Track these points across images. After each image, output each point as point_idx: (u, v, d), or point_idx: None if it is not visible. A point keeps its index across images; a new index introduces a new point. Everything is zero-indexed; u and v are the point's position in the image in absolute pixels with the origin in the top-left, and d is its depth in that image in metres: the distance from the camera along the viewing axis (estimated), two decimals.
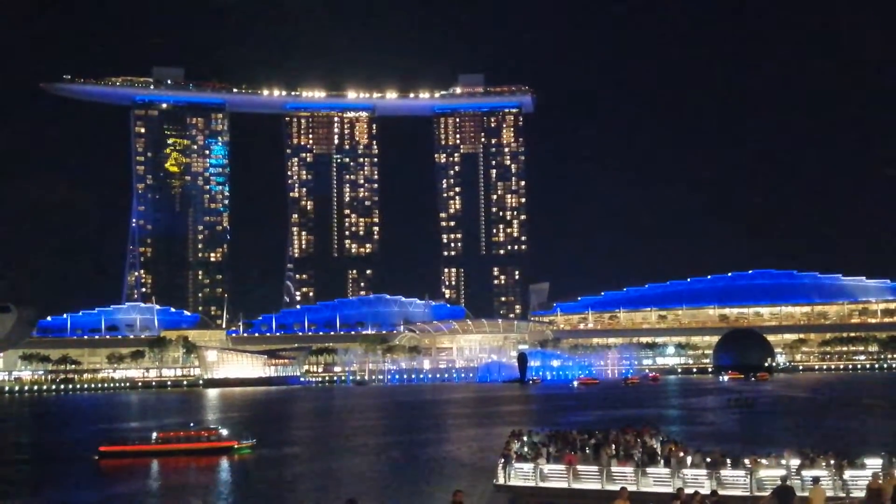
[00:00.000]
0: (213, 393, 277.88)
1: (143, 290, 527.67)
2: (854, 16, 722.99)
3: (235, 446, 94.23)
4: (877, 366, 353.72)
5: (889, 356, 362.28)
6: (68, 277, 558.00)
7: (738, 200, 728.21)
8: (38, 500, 70.34)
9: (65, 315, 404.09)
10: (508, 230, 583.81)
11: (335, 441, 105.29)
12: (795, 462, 48.98)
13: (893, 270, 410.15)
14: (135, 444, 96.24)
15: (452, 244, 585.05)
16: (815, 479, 39.88)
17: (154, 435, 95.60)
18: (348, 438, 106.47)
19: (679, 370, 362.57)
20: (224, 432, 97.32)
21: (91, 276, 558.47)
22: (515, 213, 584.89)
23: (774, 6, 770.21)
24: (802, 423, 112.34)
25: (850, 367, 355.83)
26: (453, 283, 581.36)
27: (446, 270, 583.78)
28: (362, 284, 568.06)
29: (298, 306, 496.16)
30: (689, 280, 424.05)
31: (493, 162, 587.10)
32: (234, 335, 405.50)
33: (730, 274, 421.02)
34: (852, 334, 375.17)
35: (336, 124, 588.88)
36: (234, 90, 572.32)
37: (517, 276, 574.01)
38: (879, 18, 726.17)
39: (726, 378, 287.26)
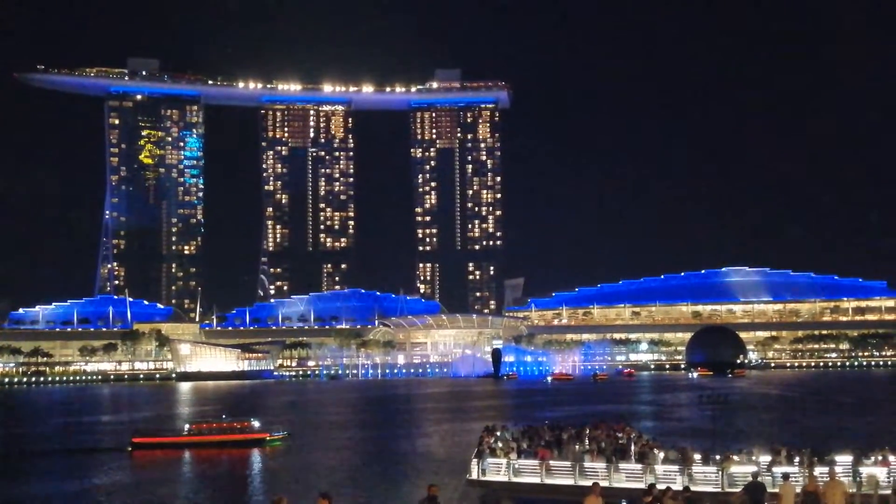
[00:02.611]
0: (185, 386, 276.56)
1: (116, 282, 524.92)
2: (851, 16, 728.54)
3: (267, 438, 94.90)
4: (848, 363, 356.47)
5: (860, 354, 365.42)
6: (40, 269, 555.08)
7: (712, 198, 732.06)
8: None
9: (37, 307, 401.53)
10: (484, 225, 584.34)
11: (309, 435, 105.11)
12: (766, 458, 49.35)
13: (865, 269, 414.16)
14: (167, 435, 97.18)
15: (428, 239, 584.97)
16: (786, 475, 40.16)
17: (187, 427, 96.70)
18: (322, 432, 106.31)
19: (652, 366, 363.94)
20: (256, 424, 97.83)
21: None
22: (491, 208, 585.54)
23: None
24: (774, 420, 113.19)
25: (822, 364, 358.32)
26: (428, 277, 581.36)
27: (421, 265, 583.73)
28: (337, 278, 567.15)
29: (272, 300, 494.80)
30: (662, 277, 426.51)
31: (469, 157, 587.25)
32: (207, 328, 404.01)
33: (703, 271, 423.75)
34: (824, 332, 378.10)
35: (312, 118, 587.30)
36: (210, 82, 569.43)
37: (492, 272, 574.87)
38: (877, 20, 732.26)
39: (696, 375, 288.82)
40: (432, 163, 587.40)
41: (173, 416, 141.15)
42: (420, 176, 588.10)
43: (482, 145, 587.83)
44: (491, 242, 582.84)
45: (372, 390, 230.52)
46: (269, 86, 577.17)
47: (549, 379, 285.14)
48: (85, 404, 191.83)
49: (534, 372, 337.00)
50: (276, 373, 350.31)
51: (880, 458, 48.08)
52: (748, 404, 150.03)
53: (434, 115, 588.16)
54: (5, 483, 72.67)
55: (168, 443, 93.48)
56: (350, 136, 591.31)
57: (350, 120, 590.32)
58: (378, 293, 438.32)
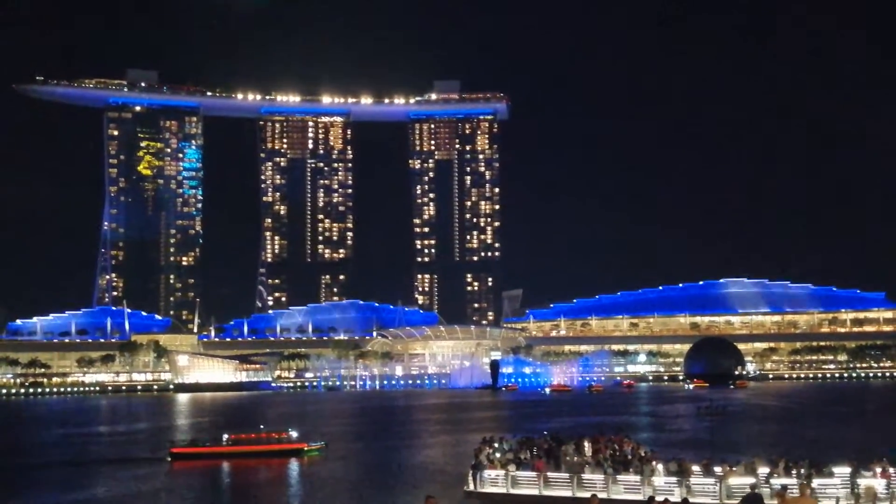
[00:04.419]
0: (183, 398, 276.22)
1: (115, 293, 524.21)
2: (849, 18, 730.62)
3: (305, 448, 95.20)
4: (846, 375, 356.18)
5: (858, 365, 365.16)
6: (38, 280, 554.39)
7: (711, 209, 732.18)
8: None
9: (35, 318, 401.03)
10: (482, 237, 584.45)
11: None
12: (764, 470, 49.36)
13: (863, 280, 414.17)
14: (206, 445, 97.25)
15: (426, 250, 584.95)
16: (784, 487, 40.17)
17: (225, 437, 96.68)
18: (320, 443, 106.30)
19: (650, 378, 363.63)
20: (294, 434, 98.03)
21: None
22: (489, 219, 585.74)
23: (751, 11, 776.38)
24: (773, 431, 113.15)
25: (820, 376, 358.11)
26: (426, 289, 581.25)
27: (419, 276, 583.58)
28: (335, 290, 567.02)
29: (271, 311, 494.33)
30: (660, 288, 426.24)
31: (468, 168, 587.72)
32: (205, 340, 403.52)
33: (701, 282, 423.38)
34: (822, 343, 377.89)
35: (310, 129, 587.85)
36: (209, 93, 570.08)
37: (490, 283, 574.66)
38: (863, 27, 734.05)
39: (691, 386, 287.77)
40: (431, 174, 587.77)
41: (173, 428, 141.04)
42: (418, 187, 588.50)
43: (481, 157, 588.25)
44: (489, 254, 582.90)
45: (370, 401, 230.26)
46: (267, 97, 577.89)
47: (548, 390, 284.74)
48: (86, 415, 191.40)
49: (533, 383, 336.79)
50: (274, 384, 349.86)
51: (879, 469, 48.07)
52: (746, 415, 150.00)
53: (433, 126, 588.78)
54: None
55: (206, 453, 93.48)
56: (349, 147, 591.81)
57: (349, 131, 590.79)
58: (376, 304, 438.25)
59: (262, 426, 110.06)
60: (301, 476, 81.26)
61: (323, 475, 79.71)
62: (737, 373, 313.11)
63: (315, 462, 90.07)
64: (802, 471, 48.47)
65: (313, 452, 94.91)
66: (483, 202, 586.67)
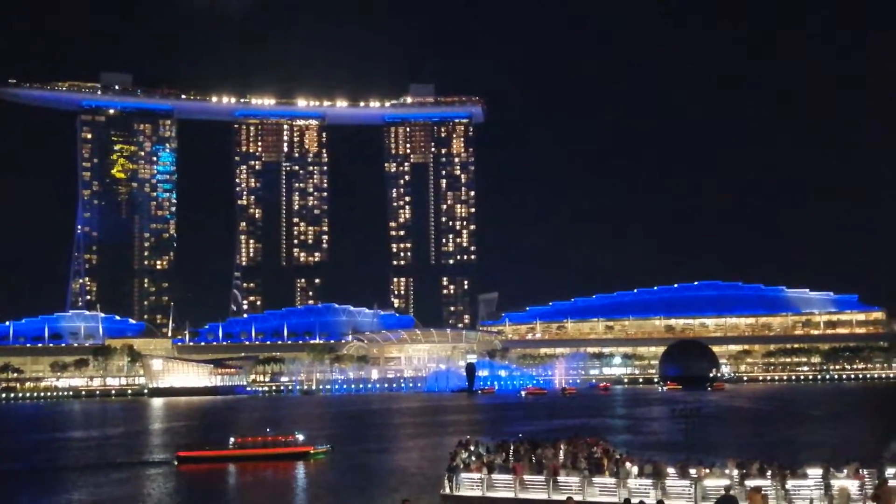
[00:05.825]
0: (157, 402, 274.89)
1: (88, 297, 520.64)
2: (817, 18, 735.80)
3: (311, 451, 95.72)
4: (819, 377, 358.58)
5: (831, 367, 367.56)
6: (11, 284, 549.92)
7: (685, 212, 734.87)
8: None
9: (7, 322, 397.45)
10: (458, 240, 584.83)
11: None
12: (738, 471, 49.58)
13: (836, 283, 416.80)
14: (212, 449, 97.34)
15: (402, 253, 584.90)
16: (756, 489, 40.33)
17: (231, 440, 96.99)
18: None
19: (625, 380, 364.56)
20: (300, 438, 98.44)
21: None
22: (465, 223, 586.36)
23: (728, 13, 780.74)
24: (746, 433, 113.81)
25: (794, 378, 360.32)
26: (402, 292, 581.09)
27: (395, 280, 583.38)
28: (310, 293, 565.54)
29: (245, 315, 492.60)
30: (635, 291, 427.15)
31: (443, 172, 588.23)
32: (179, 344, 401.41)
33: (676, 285, 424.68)
34: (796, 346, 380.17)
35: (286, 132, 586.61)
36: (183, 96, 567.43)
37: (466, 286, 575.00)
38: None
39: (665, 388, 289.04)
40: (406, 177, 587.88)
41: (148, 432, 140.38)
42: (394, 190, 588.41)
43: (456, 160, 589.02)
44: (465, 257, 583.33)
45: (346, 405, 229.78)
46: (242, 100, 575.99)
47: (524, 393, 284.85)
48: (62, 420, 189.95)
49: (511, 386, 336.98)
50: (248, 388, 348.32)
51: (853, 471, 48.31)
52: (720, 418, 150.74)
53: (408, 129, 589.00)
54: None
55: (213, 456, 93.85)
56: (324, 150, 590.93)
57: (324, 134, 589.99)
58: (352, 308, 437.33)
59: (268, 429, 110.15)
60: (308, 479, 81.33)
61: (329, 478, 79.76)
62: (711, 375, 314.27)
63: (321, 465, 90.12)
64: (769, 472, 48.72)
65: (319, 456, 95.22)
66: (459, 205, 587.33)
